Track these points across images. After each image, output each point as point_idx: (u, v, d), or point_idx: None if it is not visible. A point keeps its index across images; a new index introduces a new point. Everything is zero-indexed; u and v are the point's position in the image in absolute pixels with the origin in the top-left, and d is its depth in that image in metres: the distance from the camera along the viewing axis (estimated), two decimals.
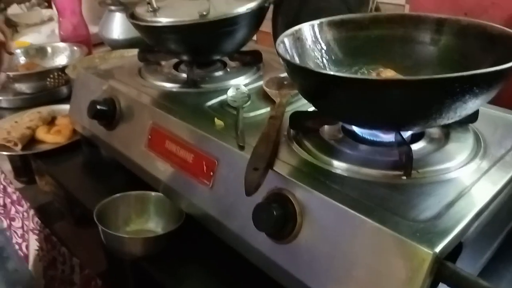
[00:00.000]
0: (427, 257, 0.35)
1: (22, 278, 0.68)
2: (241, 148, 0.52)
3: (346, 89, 0.42)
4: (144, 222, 0.62)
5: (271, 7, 0.95)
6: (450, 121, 0.44)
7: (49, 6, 1.53)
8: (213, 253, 0.57)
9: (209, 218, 0.54)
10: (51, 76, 1.08)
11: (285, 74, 0.60)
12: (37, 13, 1.63)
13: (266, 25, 1.08)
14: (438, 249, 0.36)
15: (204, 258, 0.58)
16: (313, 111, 0.55)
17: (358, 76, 0.54)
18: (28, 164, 0.89)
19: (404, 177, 0.45)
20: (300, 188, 0.45)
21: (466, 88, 0.39)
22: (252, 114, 0.63)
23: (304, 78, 0.47)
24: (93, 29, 1.35)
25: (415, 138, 0.52)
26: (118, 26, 1.26)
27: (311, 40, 0.56)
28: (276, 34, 1.10)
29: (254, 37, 1.16)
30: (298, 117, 0.54)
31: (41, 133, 0.89)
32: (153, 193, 0.62)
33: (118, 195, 0.61)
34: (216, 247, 0.56)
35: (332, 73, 0.49)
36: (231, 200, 0.52)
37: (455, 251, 0.38)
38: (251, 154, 0.48)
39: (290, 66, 0.46)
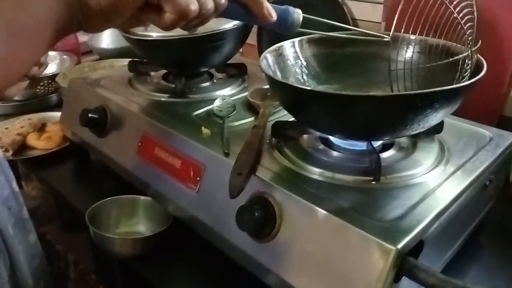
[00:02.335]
0: (390, 253, 0.40)
1: (39, 251, 0.70)
2: (226, 155, 0.56)
3: (320, 102, 0.47)
4: (133, 225, 0.65)
5: None
6: (415, 132, 0.49)
7: None
8: (200, 254, 0.61)
9: (195, 220, 0.58)
10: (42, 84, 1.11)
11: (268, 86, 0.65)
12: None
13: (252, 38, 1.13)
14: (400, 245, 0.40)
15: (191, 258, 0.62)
16: (293, 121, 0.60)
17: (330, 91, 0.59)
18: (15, 169, 0.91)
19: (374, 182, 0.50)
20: (279, 192, 0.49)
21: (427, 103, 0.44)
22: (237, 123, 0.67)
23: (284, 92, 0.51)
24: (82, 38, 1.37)
25: (386, 147, 0.57)
26: (107, 36, 1.30)
27: (292, 56, 0.61)
28: (260, 47, 1.15)
29: (240, 49, 1.21)
30: (279, 127, 0.59)
31: (32, 140, 0.92)
32: (142, 197, 0.66)
33: (109, 198, 0.65)
34: (202, 248, 0.59)
35: (307, 88, 0.53)
36: (216, 203, 0.56)
37: (416, 248, 0.43)
38: (236, 160, 0.52)
39: (271, 80, 0.51)
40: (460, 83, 0.47)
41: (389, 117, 0.46)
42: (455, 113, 0.58)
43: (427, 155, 0.55)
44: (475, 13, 0.54)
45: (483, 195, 0.56)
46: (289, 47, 0.61)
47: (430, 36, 0.59)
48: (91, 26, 0.40)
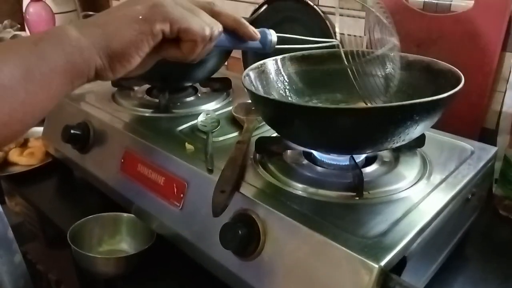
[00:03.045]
0: (373, 270, 0.40)
1: (24, 271, 0.69)
2: (210, 171, 0.56)
3: (301, 116, 0.47)
4: (116, 243, 0.64)
5: None
6: (396, 145, 0.50)
7: (22, 29, 1.54)
8: (184, 271, 0.60)
9: (179, 238, 0.57)
10: None
11: None
12: (10, 35, 1.63)
13: (237, 52, 1.13)
14: (383, 262, 0.40)
15: (175, 276, 0.61)
16: (277, 137, 0.59)
17: (309, 104, 0.59)
18: None
19: (357, 198, 0.50)
20: (263, 209, 0.49)
21: (406, 115, 0.44)
22: (221, 138, 0.67)
23: (265, 106, 0.51)
24: None
25: (368, 161, 0.57)
26: None
27: (275, 73, 0.61)
28: (245, 61, 1.15)
29: (226, 63, 1.21)
30: (263, 142, 0.59)
31: (14, 156, 0.90)
32: (125, 215, 0.65)
33: (91, 216, 0.64)
34: (186, 265, 0.58)
35: (288, 101, 0.53)
36: (200, 220, 0.55)
37: (400, 264, 0.43)
38: (219, 177, 0.52)
39: (253, 95, 0.51)
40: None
41: (370, 129, 0.46)
42: (437, 126, 0.59)
43: (409, 169, 0.56)
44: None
45: (466, 208, 0.57)
46: (272, 64, 0.61)
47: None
48: (112, 71, 0.41)
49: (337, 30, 0.61)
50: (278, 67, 0.62)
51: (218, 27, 0.46)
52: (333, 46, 0.58)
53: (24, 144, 0.95)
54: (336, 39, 0.61)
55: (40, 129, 0.92)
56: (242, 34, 0.49)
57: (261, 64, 0.61)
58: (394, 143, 0.49)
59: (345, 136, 0.47)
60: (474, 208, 0.62)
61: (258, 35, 0.50)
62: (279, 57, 0.62)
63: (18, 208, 0.95)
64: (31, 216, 0.91)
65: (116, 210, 0.67)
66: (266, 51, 0.52)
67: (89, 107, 0.78)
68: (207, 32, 0.43)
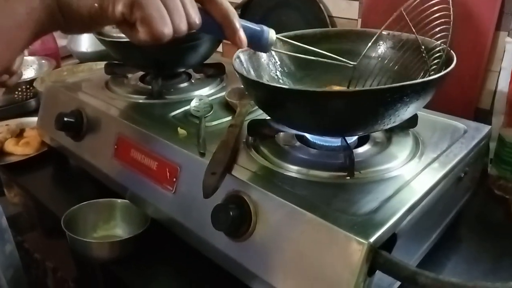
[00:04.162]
0: (362, 247, 0.40)
1: (14, 261, 0.69)
2: (202, 155, 0.56)
3: (292, 100, 0.47)
4: (111, 228, 0.65)
5: None
6: (388, 126, 0.49)
7: None
8: (179, 254, 0.61)
9: (173, 221, 0.58)
10: (20, 89, 1.09)
11: None
12: None
13: None
14: (372, 239, 0.40)
15: (170, 260, 0.61)
16: (269, 120, 0.59)
17: (300, 88, 0.58)
18: None
19: (348, 178, 0.50)
20: (255, 190, 0.49)
21: (396, 97, 0.44)
22: (214, 123, 0.66)
23: (257, 90, 0.51)
24: (62, 42, 1.36)
25: (361, 142, 0.57)
26: (86, 39, 1.28)
27: (266, 55, 0.61)
28: None
29: (220, 49, 1.21)
30: (255, 125, 0.59)
31: (10, 145, 0.90)
32: (119, 200, 0.65)
33: (85, 203, 0.64)
34: (181, 249, 0.59)
35: (278, 85, 0.53)
36: (193, 203, 0.55)
37: (390, 241, 0.43)
38: (210, 159, 0.52)
39: (244, 79, 0.51)
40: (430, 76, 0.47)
41: (361, 112, 0.46)
42: (431, 107, 0.59)
43: (401, 149, 0.56)
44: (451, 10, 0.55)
45: (458, 187, 0.57)
46: None
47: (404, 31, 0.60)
48: (69, 31, 0.41)
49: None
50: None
51: (191, 23, 0.41)
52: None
53: (19, 134, 0.95)
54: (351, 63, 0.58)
55: (35, 119, 0.92)
56: (227, 36, 0.44)
57: None
58: (385, 125, 0.48)
59: (336, 119, 0.47)
60: (467, 188, 0.62)
61: (243, 46, 0.45)
62: None
63: (16, 199, 0.96)
64: (29, 207, 0.91)
65: (112, 197, 0.67)
66: (259, 51, 0.48)
67: (83, 95, 0.78)
68: (166, 31, 0.39)
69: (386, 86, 0.43)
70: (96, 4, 0.39)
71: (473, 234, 0.63)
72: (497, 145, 0.70)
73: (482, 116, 0.76)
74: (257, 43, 0.46)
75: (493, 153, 0.71)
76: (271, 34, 0.47)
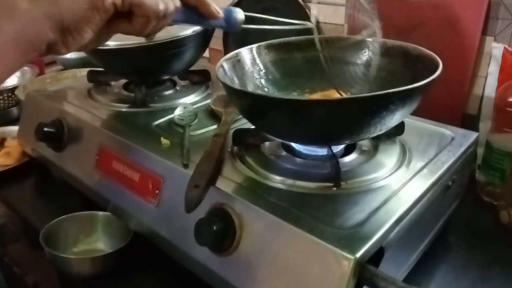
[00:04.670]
0: (349, 262, 0.39)
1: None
2: (185, 166, 0.54)
3: (275, 108, 0.45)
4: (93, 242, 0.63)
5: None
6: (374, 135, 0.48)
7: None
8: (161, 268, 0.59)
9: (155, 235, 0.56)
10: (1, 97, 1.07)
11: None
12: None
13: (218, 43, 1.11)
14: (359, 254, 0.39)
15: (153, 273, 0.59)
16: (254, 129, 0.58)
17: (284, 96, 0.57)
18: None
19: (334, 188, 0.49)
20: (239, 202, 0.48)
21: (381, 105, 0.43)
22: (199, 132, 0.65)
23: (240, 99, 0.50)
24: None
25: (347, 151, 0.56)
26: None
27: (250, 63, 0.60)
28: (227, 52, 1.13)
29: (207, 55, 1.19)
30: (240, 134, 0.57)
31: None
32: (100, 213, 0.63)
33: (65, 216, 0.62)
34: (164, 262, 0.57)
35: (261, 93, 0.52)
36: (176, 217, 0.54)
37: (377, 254, 0.42)
38: (193, 172, 0.50)
39: (227, 88, 0.49)
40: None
41: (345, 121, 0.45)
42: (418, 113, 0.58)
43: (388, 158, 0.55)
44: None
45: (447, 195, 0.56)
46: (247, 53, 0.60)
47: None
48: (65, 45, 0.40)
49: (313, 12, 0.59)
50: (253, 56, 0.60)
51: (174, 2, 0.45)
52: (308, 30, 0.56)
53: (0, 144, 0.93)
54: (311, 22, 0.59)
55: (16, 128, 0.90)
56: (204, 12, 0.48)
57: (236, 54, 0.59)
58: (371, 133, 0.47)
59: (320, 128, 0.46)
60: (455, 195, 0.61)
61: (221, 14, 0.50)
62: (254, 46, 0.60)
63: (1, 209, 0.93)
64: (13, 217, 0.89)
65: (95, 209, 0.65)
66: (231, 30, 0.52)
67: (64, 103, 0.76)
68: (161, 7, 0.42)
69: (370, 94, 0.42)
70: (86, 6, 0.39)
71: (462, 242, 0.62)
72: (484, 151, 0.70)
73: (470, 121, 0.76)
74: (229, 20, 0.51)
75: (481, 158, 0.71)
76: (239, 13, 0.51)
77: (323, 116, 0.44)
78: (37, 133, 0.71)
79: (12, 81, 1.19)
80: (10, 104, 1.08)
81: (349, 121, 0.45)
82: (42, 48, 0.39)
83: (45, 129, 0.70)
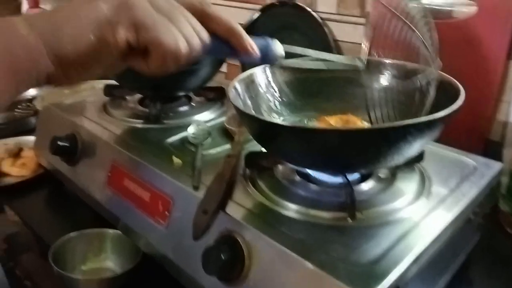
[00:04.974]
0: None
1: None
2: (195, 188, 0.53)
3: (286, 136, 0.44)
4: (101, 260, 0.62)
5: None
6: (391, 165, 0.47)
7: None
8: None
9: (164, 258, 0.55)
10: (20, 106, 1.08)
11: None
12: None
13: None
14: None
15: None
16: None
17: (294, 125, 0.55)
18: None
19: (349, 219, 0.47)
20: (249, 231, 0.46)
21: (399, 137, 0.41)
22: (212, 151, 0.64)
23: (251, 124, 0.48)
24: None
25: (364, 177, 0.54)
26: None
27: (264, 84, 0.58)
28: (245, 68, 1.13)
29: (225, 69, 1.19)
30: (253, 156, 0.56)
31: (6, 166, 0.88)
32: (110, 231, 0.62)
33: (74, 233, 0.61)
34: (174, 286, 0.56)
35: (272, 121, 0.51)
36: (185, 241, 0.52)
37: None
38: (203, 196, 0.49)
39: (237, 111, 0.48)
40: (436, 112, 0.44)
41: (360, 151, 0.43)
42: (438, 138, 0.56)
43: (407, 187, 0.52)
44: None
45: (468, 228, 0.53)
46: (261, 74, 0.58)
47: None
48: (66, 78, 0.35)
49: (363, 46, 0.56)
50: (267, 76, 0.59)
51: (202, 39, 0.38)
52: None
53: (18, 153, 0.94)
54: (361, 60, 0.56)
55: (33, 138, 0.90)
56: (236, 46, 0.42)
57: (250, 74, 0.58)
58: (387, 164, 0.46)
59: (334, 157, 0.44)
60: (477, 227, 0.58)
61: (255, 52, 0.43)
62: (267, 66, 0.59)
63: (16, 217, 0.94)
64: (24, 228, 0.89)
65: (106, 225, 0.64)
66: (271, 64, 0.46)
67: (79, 118, 0.76)
68: (182, 48, 0.35)
69: (387, 125, 0.40)
70: (92, 36, 0.33)
71: (484, 277, 0.59)
72: (509, 180, 0.67)
73: (493, 148, 0.73)
74: (264, 58, 0.44)
75: (505, 188, 0.68)
76: (277, 46, 0.44)
77: (337, 146, 0.42)
78: (51, 147, 0.71)
79: (31, 90, 1.21)
80: (29, 114, 1.09)
81: (364, 152, 0.43)
82: (40, 79, 0.34)
83: (59, 143, 0.70)
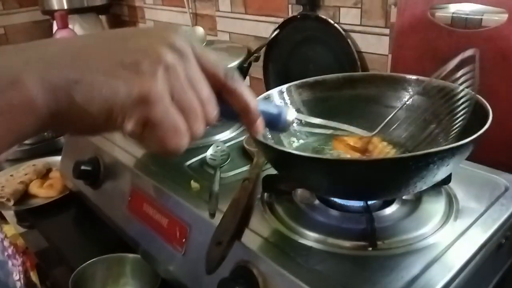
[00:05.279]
0: None
1: None
2: (212, 216, 0.52)
3: (301, 165, 0.42)
4: (121, 285, 0.62)
5: (262, 54, 0.97)
6: (414, 192, 0.44)
7: None
8: None
9: (181, 285, 0.54)
10: None
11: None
12: None
13: (258, 72, 1.10)
14: None
15: None
16: None
17: (311, 155, 0.52)
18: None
19: (370, 249, 0.44)
20: (264, 262, 0.45)
21: (421, 165, 0.39)
22: (231, 173, 0.63)
23: (265, 152, 0.47)
24: None
25: (387, 201, 0.51)
26: None
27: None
28: (267, 80, 1.12)
29: (248, 82, 1.18)
30: (271, 180, 0.55)
31: (34, 188, 0.91)
32: (130, 256, 0.62)
33: (94, 259, 0.62)
34: None
35: (286, 150, 0.49)
36: (201, 269, 0.51)
37: None
38: (217, 226, 0.48)
39: (253, 139, 0.47)
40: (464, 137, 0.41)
41: (380, 180, 0.41)
42: (468, 156, 0.52)
43: (432, 211, 0.50)
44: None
45: (499, 255, 0.50)
46: (277, 96, 0.57)
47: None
48: (65, 129, 0.33)
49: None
50: (284, 97, 0.57)
51: (209, 120, 0.34)
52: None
53: (46, 174, 0.96)
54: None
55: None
56: (244, 124, 0.39)
57: (268, 95, 0.57)
58: (410, 191, 0.43)
59: (353, 186, 0.42)
60: (508, 253, 0.54)
61: (259, 136, 0.42)
62: (285, 87, 0.58)
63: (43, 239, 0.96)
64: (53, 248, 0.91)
65: (127, 249, 0.64)
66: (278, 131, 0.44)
67: (102, 140, 0.76)
68: (184, 145, 0.33)
69: (408, 154, 0.38)
70: (98, 112, 0.30)
71: None
72: None
73: None
74: (275, 127, 0.42)
75: None
76: (290, 115, 0.42)
77: (356, 176, 0.40)
78: (74, 171, 0.72)
79: None
80: (58, 134, 1.11)
81: (385, 181, 0.41)
82: (40, 129, 0.31)
83: (82, 167, 0.71)
